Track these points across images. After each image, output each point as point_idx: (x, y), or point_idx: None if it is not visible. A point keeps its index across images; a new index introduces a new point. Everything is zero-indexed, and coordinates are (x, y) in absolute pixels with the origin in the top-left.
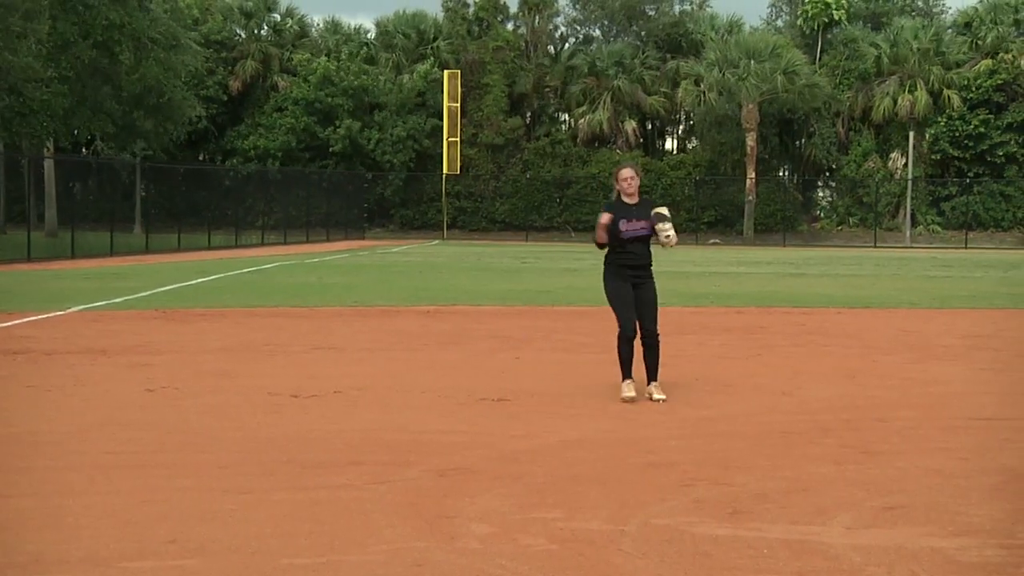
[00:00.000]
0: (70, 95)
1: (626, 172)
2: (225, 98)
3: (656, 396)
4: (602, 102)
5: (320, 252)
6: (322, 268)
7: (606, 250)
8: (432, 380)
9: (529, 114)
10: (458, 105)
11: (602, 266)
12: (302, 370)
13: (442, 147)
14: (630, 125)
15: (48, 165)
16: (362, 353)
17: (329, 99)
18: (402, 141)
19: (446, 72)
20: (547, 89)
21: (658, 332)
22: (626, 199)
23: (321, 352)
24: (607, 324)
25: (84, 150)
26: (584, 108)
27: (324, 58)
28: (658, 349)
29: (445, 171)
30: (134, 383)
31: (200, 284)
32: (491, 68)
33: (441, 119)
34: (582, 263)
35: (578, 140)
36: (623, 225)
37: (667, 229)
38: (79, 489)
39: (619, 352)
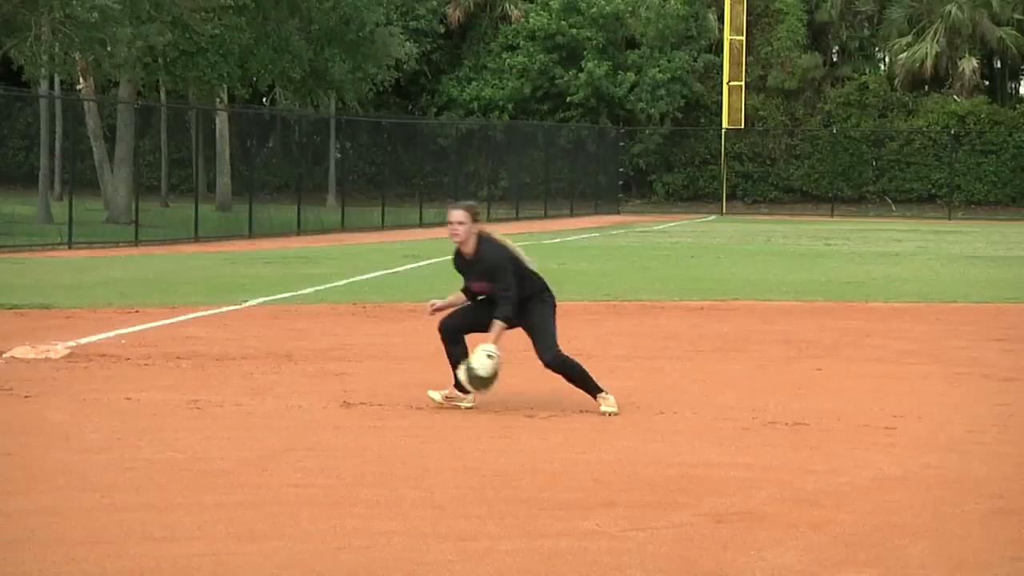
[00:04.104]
0: (248, 29)
1: (450, 215)
2: (442, 31)
3: (603, 408)
4: (931, 33)
5: (562, 230)
6: (564, 251)
7: None
8: (706, 397)
9: (835, 50)
10: (742, 39)
11: None
12: (538, 383)
13: (720, 93)
14: (969, 64)
15: (220, 120)
16: (616, 361)
17: (574, 31)
18: (665, 85)
19: None
20: (858, 16)
21: (558, 355)
22: (462, 249)
23: None
24: (937, 327)
25: (264, 102)
26: (907, 41)
27: None
28: (567, 371)
29: (724, 125)
30: (326, 397)
31: (409, 271)
32: None
33: (718, 56)
34: (904, 245)
35: (897, 83)
36: (466, 279)
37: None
38: (259, 532)
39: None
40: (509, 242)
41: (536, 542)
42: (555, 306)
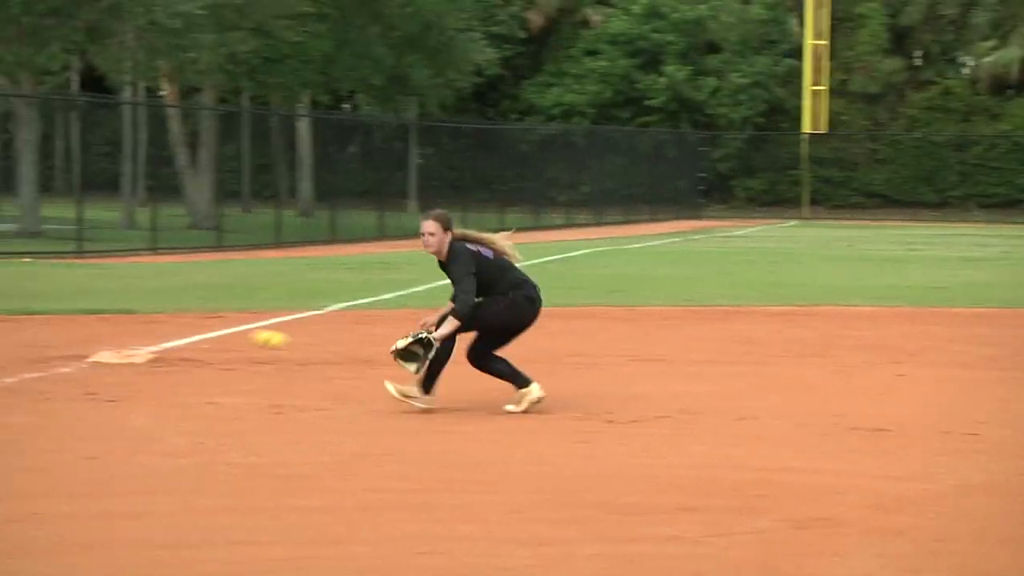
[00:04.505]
0: (329, 36)
1: (422, 226)
2: (523, 36)
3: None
4: (1017, 36)
5: (642, 235)
6: (645, 256)
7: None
8: (787, 403)
9: (918, 54)
10: (824, 43)
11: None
12: (619, 388)
13: (801, 98)
14: None
15: (302, 125)
16: (697, 367)
17: (656, 35)
18: (746, 90)
19: None
20: (942, 20)
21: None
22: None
23: (643, 365)
24: (1022, 333)
25: (345, 108)
26: (992, 44)
27: None
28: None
29: (806, 129)
30: (405, 402)
31: None
32: None
33: (800, 60)
34: (988, 250)
35: (981, 87)
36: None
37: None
38: (337, 536)
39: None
40: (493, 238)
41: (615, 547)
42: (520, 304)
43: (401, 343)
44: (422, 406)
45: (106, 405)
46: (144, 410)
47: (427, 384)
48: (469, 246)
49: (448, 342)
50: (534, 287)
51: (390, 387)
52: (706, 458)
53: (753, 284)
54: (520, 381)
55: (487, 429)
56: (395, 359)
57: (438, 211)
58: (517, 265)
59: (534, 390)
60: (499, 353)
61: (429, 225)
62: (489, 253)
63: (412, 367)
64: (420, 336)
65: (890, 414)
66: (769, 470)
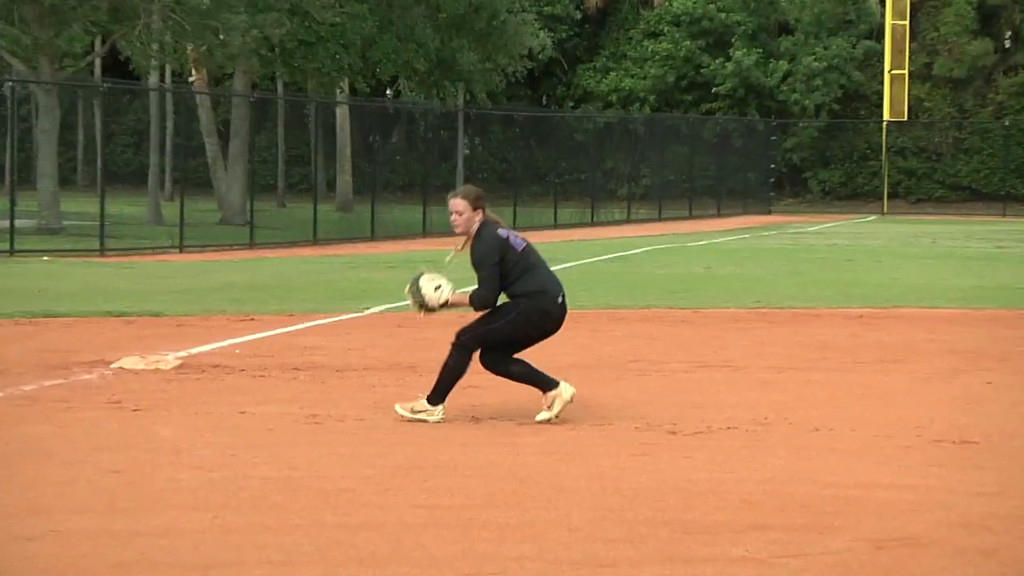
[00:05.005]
0: (370, 17)
1: (450, 204)
2: (579, 17)
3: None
4: None
5: (708, 232)
6: (711, 254)
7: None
8: (866, 413)
9: (1007, 35)
10: (906, 23)
11: None
12: (683, 396)
13: (881, 83)
14: None
15: (341, 113)
16: (767, 373)
17: (722, 15)
18: (821, 75)
19: None
20: None
21: (454, 341)
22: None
23: (710, 371)
24: None
25: (387, 94)
26: None
27: None
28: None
29: (886, 116)
30: (453, 411)
31: None
32: None
33: (880, 42)
34: None
35: None
36: None
37: (414, 301)
38: (381, 555)
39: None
40: (517, 236)
41: (679, 568)
42: (530, 317)
43: (425, 288)
44: (435, 419)
45: (131, 414)
46: (172, 420)
47: (436, 398)
48: (501, 231)
49: (465, 357)
50: (555, 296)
51: (400, 409)
52: (777, 472)
53: (828, 284)
54: (544, 383)
55: (541, 441)
56: (412, 298)
57: (467, 187)
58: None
59: (563, 390)
60: (521, 355)
61: (457, 203)
62: (520, 243)
63: (410, 300)
64: (439, 285)
65: (977, 425)
66: (846, 486)
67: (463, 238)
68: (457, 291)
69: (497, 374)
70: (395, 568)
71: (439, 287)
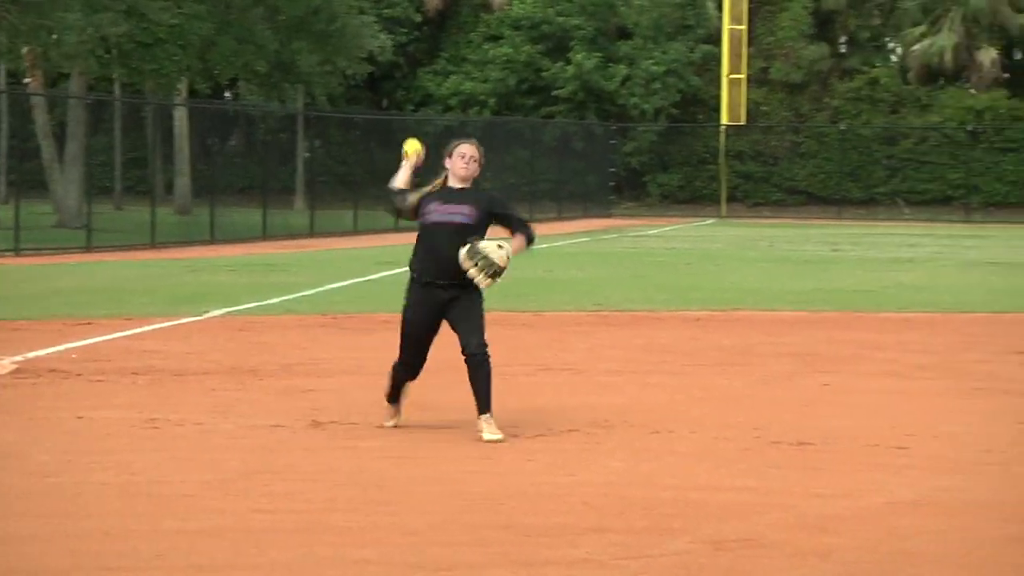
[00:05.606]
0: (208, 19)
1: (465, 148)
2: (419, 20)
3: (487, 435)
4: (947, 22)
5: (549, 235)
6: (551, 257)
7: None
8: (705, 415)
9: (842, 40)
10: (743, 28)
11: None
12: (524, 400)
13: (719, 87)
14: (988, 55)
15: (179, 116)
16: (608, 376)
17: (561, 19)
18: (659, 79)
19: None
20: (869, 4)
21: (487, 347)
22: (455, 183)
23: (550, 375)
24: (954, 339)
25: (226, 97)
26: (921, 30)
27: None
28: (488, 370)
29: (724, 121)
30: (294, 415)
31: (383, 279)
32: None
33: (717, 47)
34: (917, 250)
35: (910, 77)
36: (435, 206)
37: (479, 269)
38: (222, 562)
39: (394, 373)
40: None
41: (521, 571)
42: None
43: (497, 259)
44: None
45: None
46: (7, 425)
47: (487, 406)
48: None
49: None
50: None
51: (492, 436)
52: (618, 475)
53: (667, 287)
54: (395, 395)
55: (382, 445)
56: (483, 272)
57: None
58: None
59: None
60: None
61: (473, 150)
62: None
63: (487, 279)
64: (501, 245)
65: (814, 427)
66: (685, 488)
67: (439, 180)
68: (513, 245)
69: (417, 373)
70: (235, 573)
71: (499, 245)
